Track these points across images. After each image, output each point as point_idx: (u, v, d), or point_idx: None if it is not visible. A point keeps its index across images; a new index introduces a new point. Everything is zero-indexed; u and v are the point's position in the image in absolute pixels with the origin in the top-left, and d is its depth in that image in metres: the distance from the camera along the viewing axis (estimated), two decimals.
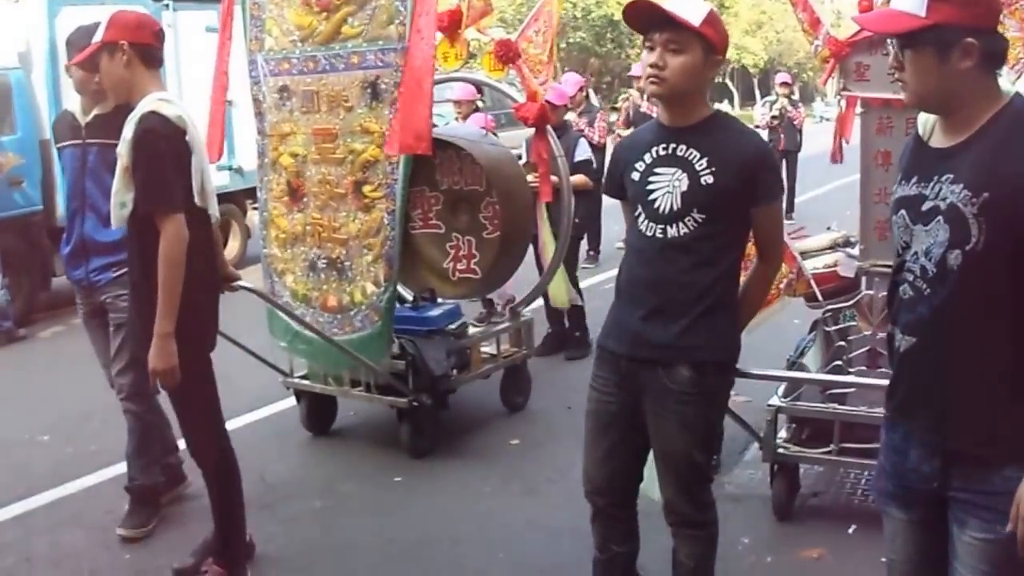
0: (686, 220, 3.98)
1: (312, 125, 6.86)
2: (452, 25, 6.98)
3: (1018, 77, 6.15)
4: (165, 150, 4.78)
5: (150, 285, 4.78)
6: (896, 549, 3.36)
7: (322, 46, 6.74)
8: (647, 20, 3.99)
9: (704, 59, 3.95)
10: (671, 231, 4.00)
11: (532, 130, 7.51)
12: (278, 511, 6.30)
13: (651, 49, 3.97)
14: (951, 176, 2.94)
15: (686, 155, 4.00)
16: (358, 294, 6.77)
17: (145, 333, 4.87)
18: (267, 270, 7.26)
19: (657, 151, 4.06)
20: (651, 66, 3.95)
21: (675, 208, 3.98)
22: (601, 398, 4.26)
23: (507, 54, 6.94)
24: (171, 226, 4.72)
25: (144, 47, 4.94)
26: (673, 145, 4.03)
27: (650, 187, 4.04)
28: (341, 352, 6.75)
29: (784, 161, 17.57)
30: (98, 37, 4.94)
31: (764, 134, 17.55)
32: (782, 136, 18.43)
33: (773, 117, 18.75)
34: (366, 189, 6.66)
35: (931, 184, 3.00)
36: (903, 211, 3.11)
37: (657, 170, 4.04)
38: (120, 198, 4.85)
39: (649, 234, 4.04)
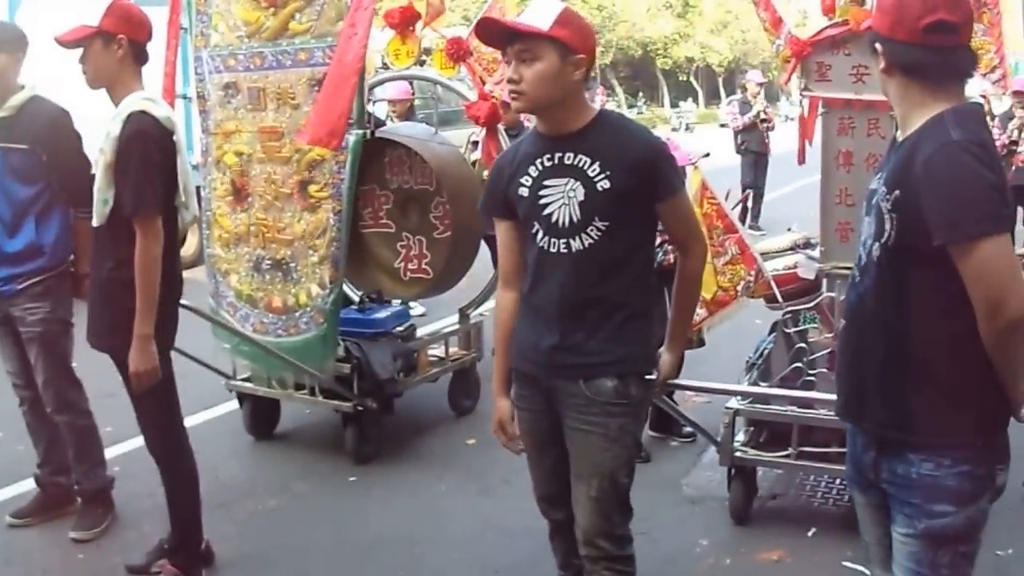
0: (588, 230, 3.79)
1: (258, 123, 6.72)
2: (404, 22, 6.84)
3: (1003, 91, 6.11)
4: (154, 152, 4.77)
5: (117, 281, 4.81)
6: (867, 531, 3.49)
7: (269, 42, 6.60)
8: (498, 37, 3.86)
9: (561, 62, 3.71)
10: (575, 244, 3.81)
11: (475, 128, 7.40)
12: (233, 511, 6.27)
13: (508, 63, 3.80)
14: (883, 175, 3.14)
15: (576, 163, 3.79)
16: (303, 296, 6.65)
17: (111, 329, 4.91)
18: (211, 270, 7.13)
19: (542, 163, 3.86)
20: (509, 81, 3.80)
21: (575, 220, 3.79)
22: (531, 416, 4.11)
23: (458, 52, 6.81)
24: (151, 229, 4.74)
25: (140, 45, 4.93)
26: (559, 154, 3.83)
27: (543, 201, 3.85)
28: (282, 360, 6.66)
29: (756, 164, 17.42)
30: (93, 22, 4.84)
31: (738, 136, 17.62)
32: (765, 137, 17.48)
33: (762, 120, 17.36)
34: (312, 189, 6.54)
35: (877, 179, 3.20)
36: (865, 203, 3.27)
37: (547, 182, 3.85)
38: (102, 195, 4.84)
39: (553, 250, 3.85)
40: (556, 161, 3.83)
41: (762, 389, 5.97)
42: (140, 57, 4.95)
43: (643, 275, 3.97)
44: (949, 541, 3.11)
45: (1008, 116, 13.47)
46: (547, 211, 3.84)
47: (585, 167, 3.77)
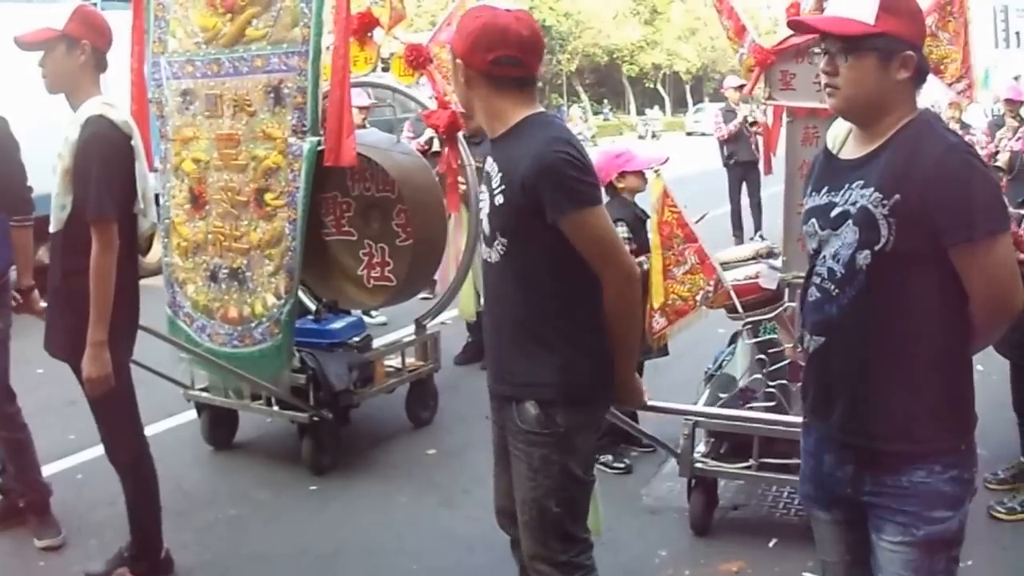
0: (495, 245, 3.67)
1: (215, 130, 6.66)
2: (362, 28, 6.78)
3: (968, 101, 6.10)
4: (112, 156, 4.76)
5: (74, 288, 4.77)
6: (827, 550, 3.46)
7: (226, 48, 6.55)
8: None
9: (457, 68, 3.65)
10: (493, 256, 3.71)
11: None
12: (193, 519, 6.24)
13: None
14: (861, 182, 3.07)
15: (489, 171, 3.69)
16: (259, 306, 6.59)
17: (68, 336, 4.89)
18: (168, 280, 7.05)
19: (483, 166, 3.79)
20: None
21: (487, 232, 3.71)
22: (496, 430, 4.02)
23: (417, 59, 6.76)
24: (106, 235, 4.70)
25: (101, 52, 4.94)
26: (488, 159, 3.74)
27: (479, 205, 3.83)
28: (237, 375, 6.63)
29: (746, 177, 15.97)
30: (58, 25, 4.83)
31: (724, 148, 16.19)
32: (753, 145, 15.60)
33: (752, 124, 15.52)
34: (268, 197, 6.48)
35: (841, 192, 3.13)
36: (813, 219, 3.23)
37: (480, 187, 3.81)
38: (60, 200, 4.84)
39: (484, 257, 3.79)
40: (484, 167, 3.78)
41: (718, 411, 5.94)
42: (100, 64, 4.95)
43: (567, 300, 3.65)
44: (946, 546, 3.14)
45: (997, 124, 13.29)
46: (480, 216, 3.82)
47: (493, 177, 3.66)
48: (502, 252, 3.64)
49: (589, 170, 3.57)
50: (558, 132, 3.60)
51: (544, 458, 3.67)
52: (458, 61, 3.60)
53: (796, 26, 3.50)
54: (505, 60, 3.51)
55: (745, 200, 16.15)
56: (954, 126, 12.26)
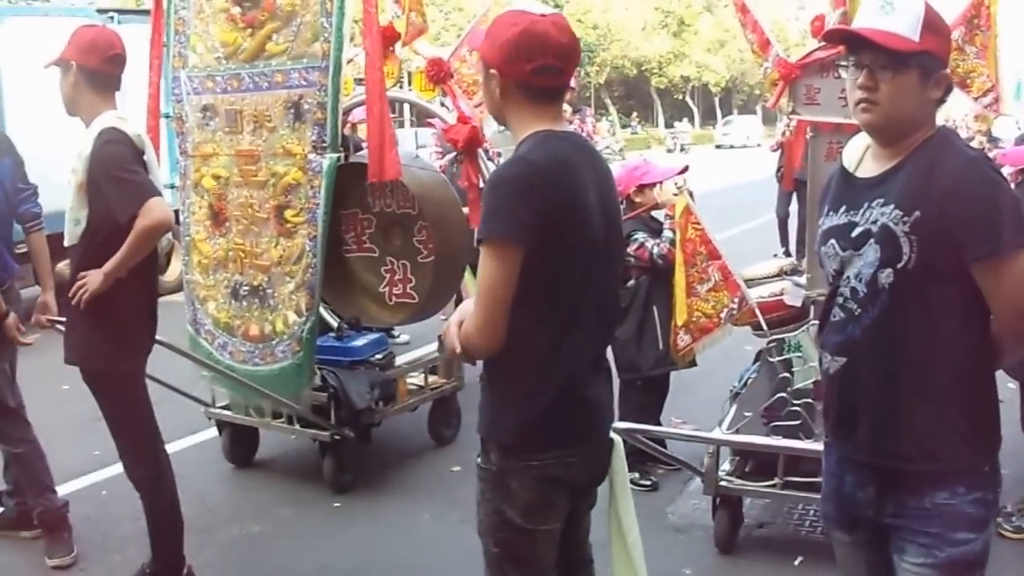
0: None
1: (235, 146, 6.64)
2: (384, 44, 6.73)
3: (995, 114, 6.03)
4: (127, 158, 4.74)
5: (93, 310, 4.77)
6: (848, 572, 3.44)
7: (246, 63, 6.53)
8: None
9: (484, 80, 3.42)
10: None
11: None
12: (216, 535, 6.24)
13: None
14: (881, 200, 3.04)
15: None
16: (280, 323, 6.54)
17: (83, 342, 4.95)
18: (189, 297, 7.03)
19: None
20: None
21: None
22: None
23: (438, 74, 6.71)
24: (150, 214, 4.62)
25: (91, 71, 4.91)
26: None
27: None
28: (258, 393, 6.61)
29: (796, 190, 14.73)
30: (58, 50, 4.92)
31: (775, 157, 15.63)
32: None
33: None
34: (288, 214, 6.44)
35: (861, 211, 3.10)
36: (832, 240, 3.20)
37: None
38: (74, 215, 4.85)
39: None
40: None
41: (742, 438, 5.87)
42: (96, 83, 4.94)
43: (519, 338, 3.27)
44: (969, 568, 3.10)
45: None
46: None
47: None
48: None
49: None
50: (523, 150, 3.39)
51: (482, 493, 3.51)
52: (492, 71, 3.35)
53: (839, 35, 3.37)
54: (544, 69, 3.27)
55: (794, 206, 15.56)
56: (981, 139, 12.12)
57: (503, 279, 3.15)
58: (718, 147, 57.49)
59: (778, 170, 15.47)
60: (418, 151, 9.53)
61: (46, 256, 6.07)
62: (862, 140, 3.27)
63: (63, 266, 9.53)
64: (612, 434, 3.67)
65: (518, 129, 3.39)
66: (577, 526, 3.68)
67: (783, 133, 14.53)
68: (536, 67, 3.26)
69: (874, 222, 3.04)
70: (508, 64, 3.31)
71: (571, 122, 13.74)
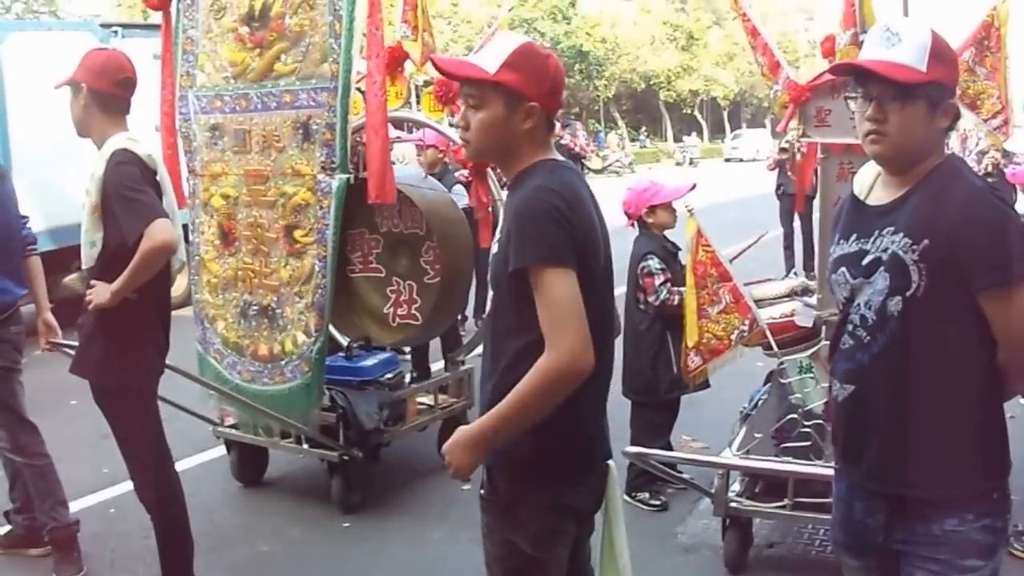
0: (489, 298, 3.48)
1: (244, 166, 6.64)
2: (392, 63, 6.74)
3: (1004, 137, 6.01)
4: (141, 176, 4.76)
5: (107, 320, 4.80)
6: None
7: (255, 83, 6.53)
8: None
9: (507, 110, 3.27)
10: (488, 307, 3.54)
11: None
12: (225, 555, 6.23)
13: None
14: (891, 228, 3.06)
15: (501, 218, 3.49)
16: (289, 343, 6.54)
17: (97, 359, 4.94)
18: (198, 316, 7.03)
19: None
20: (459, 125, 3.48)
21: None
22: None
23: (447, 94, 6.70)
24: (157, 235, 4.60)
25: (101, 94, 4.92)
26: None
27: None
28: (265, 415, 6.60)
29: (793, 210, 14.71)
30: (72, 70, 4.95)
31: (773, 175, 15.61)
32: (791, 176, 14.71)
33: (782, 149, 15.07)
34: (297, 234, 6.43)
35: (872, 239, 3.12)
36: (843, 268, 3.22)
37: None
38: (90, 237, 4.86)
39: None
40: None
41: (753, 462, 5.84)
42: (107, 106, 4.95)
43: (514, 362, 3.24)
44: None
45: None
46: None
47: (500, 224, 3.44)
48: (491, 307, 3.47)
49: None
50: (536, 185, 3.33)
51: (489, 526, 3.46)
52: (534, 104, 3.26)
53: (847, 69, 3.35)
54: (561, 99, 3.39)
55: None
56: (995, 154, 12.11)
57: (575, 294, 3.09)
58: (727, 161, 57.37)
59: (777, 188, 15.61)
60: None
61: (43, 278, 6.10)
62: (873, 167, 3.27)
63: (71, 279, 9.65)
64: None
65: (527, 157, 3.35)
66: (579, 551, 3.65)
67: (782, 151, 14.91)
68: (561, 98, 3.35)
69: (884, 250, 3.06)
70: (550, 97, 3.32)
71: (561, 137, 13.80)
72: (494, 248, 3.37)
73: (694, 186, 6.69)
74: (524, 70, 3.27)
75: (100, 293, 4.74)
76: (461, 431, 3.22)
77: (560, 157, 3.46)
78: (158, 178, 4.91)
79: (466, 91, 3.35)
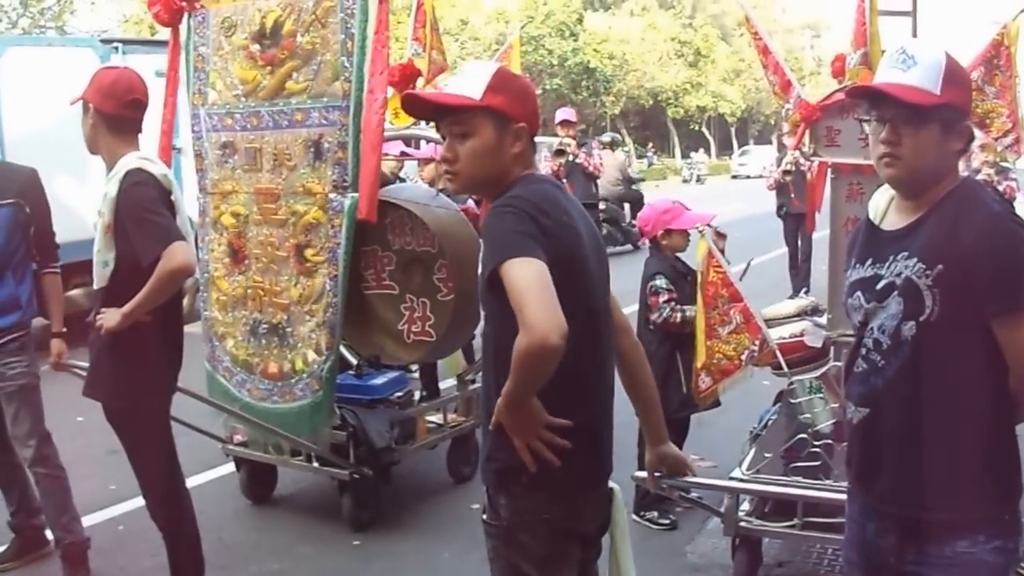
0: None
1: (255, 184, 6.64)
2: (404, 80, 6.76)
3: (1016, 155, 6.02)
4: (158, 196, 4.78)
5: (119, 341, 4.78)
6: None
7: (266, 101, 6.53)
8: (427, 112, 3.51)
9: (498, 134, 3.28)
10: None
11: None
12: (235, 573, 6.24)
13: (444, 138, 3.38)
14: (906, 253, 3.07)
15: None
16: (299, 362, 6.52)
17: (109, 379, 4.95)
18: (207, 333, 7.02)
19: None
20: (443, 160, 3.39)
21: None
22: None
23: None
24: (175, 257, 4.61)
25: (108, 115, 4.91)
26: None
27: None
28: (275, 433, 6.61)
29: (797, 231, 14.72)
30: (83, 88, 4.98)
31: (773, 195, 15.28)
32: (793, 195, 14.37)
33: (785, 172, 14.46)
34: (308, 253, 6.42)
35: (886, 264, 3.13)
36: (858, 292, 3.23)
37: None
38: (102, 257, 4.86)
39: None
40: None
41: (763, 486, 5.80)
42: (115, 127, 4.94)
43: (496, 374, 3.27)
44: None
45: None
46: None
47: None
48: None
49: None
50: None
51: (494, 550, 3.42)
52: (522, 126, 3.30)
53: (861, 93, 3.36)
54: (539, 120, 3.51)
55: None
56: (988, 171, 12.04)
57: (539, 275, 3.00)
58: (734, 177, 57.35)
59: (779, 208, 15.31)
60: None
61: (59, 298, 6.14)
62: (887, 191, 3.28)
63: (76, 294, 9.65)
64: (611, 483, 3.59)
65: (511, 173, 3.34)
66: (586, 574, 3.62)
67: (785, 173, 14.46)
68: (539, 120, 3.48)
69: (898, 275, 3.08)
70: (533, 116, 3.40)
71: (576, 155, 13.72)
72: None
73: (715, 217, 6.66)
74: (508, 92, 3.30)
75: (110, 318, 4.75)
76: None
77: (540, 172, 3.50)
78: (173, 198, 4.91)
79: (450, 122, 3.30)
